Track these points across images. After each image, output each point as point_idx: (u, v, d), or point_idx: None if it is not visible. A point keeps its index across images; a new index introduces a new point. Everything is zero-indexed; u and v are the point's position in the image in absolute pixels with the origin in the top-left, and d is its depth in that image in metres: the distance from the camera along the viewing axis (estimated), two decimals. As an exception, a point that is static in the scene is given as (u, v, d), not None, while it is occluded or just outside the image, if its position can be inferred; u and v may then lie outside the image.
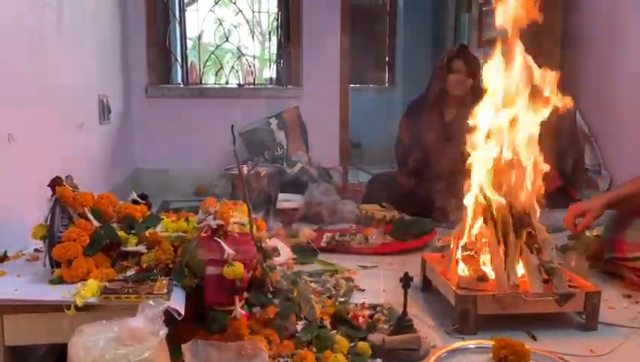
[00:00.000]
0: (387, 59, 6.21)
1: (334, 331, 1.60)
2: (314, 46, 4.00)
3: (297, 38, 4.05)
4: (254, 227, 1.52)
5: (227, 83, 4.44)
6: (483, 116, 1.89)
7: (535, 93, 1.83)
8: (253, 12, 4.50)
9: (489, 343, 1.45)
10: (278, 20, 4.34)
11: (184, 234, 1.57)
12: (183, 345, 1.19)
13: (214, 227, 1.43)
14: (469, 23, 5.03)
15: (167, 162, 3.90)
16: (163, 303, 1.19)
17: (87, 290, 1.31)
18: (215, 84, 4.70)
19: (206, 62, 4.51)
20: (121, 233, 1.56)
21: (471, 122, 1.90)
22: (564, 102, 1.81)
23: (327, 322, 1.65)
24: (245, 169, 3.11)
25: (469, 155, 1.90)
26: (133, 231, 1.59)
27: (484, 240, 1.85)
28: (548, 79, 1.82)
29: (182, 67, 4.36)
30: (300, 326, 1.57)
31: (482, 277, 1.75)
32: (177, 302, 1.31)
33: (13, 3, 1.87)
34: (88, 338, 1.11)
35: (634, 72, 3.13)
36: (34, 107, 2.00)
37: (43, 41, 2.15)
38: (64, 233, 1.45)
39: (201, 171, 3.84)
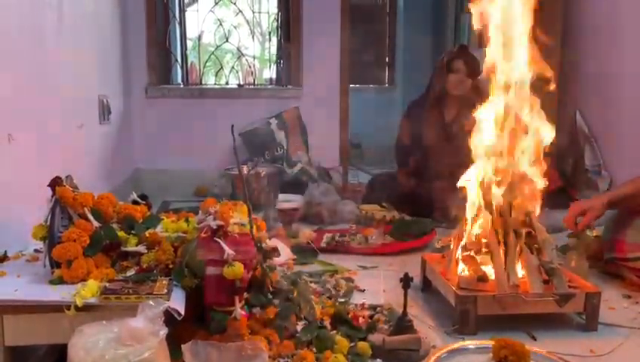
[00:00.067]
0: (387, 59, 6.22)
1: (334, 331, 1.60)
2: (314, 46, 4.00)
3: (297, 39, 4.05)
4: (254, 227, 1.52)
5: (227, 83, 4.44)
6: (484, 115, 1.89)
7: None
8: (254, 12, 4.50)
9: (489, 343, 1.45)
10: (278, 21, 4.34)
11: (184, 235, 1.57)
12: (183, 346, 1.20)
13: (214, 227, 1.43)
14: (469, 23, 5.03)
15: (167, 162, 3.90)
16: (163, 303, 1.20)
17: (87, 291, 1.31)
18: (215, 84, 4.70)
19: (206, 62, 4.51)
20: (121, 233, 1.56)
21: (473, 118, 1.90)
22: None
23: (327, 322, 1.65)
24: (245, 169, 3.11)
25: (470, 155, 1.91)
26: (133, 232, 1.59)
27: (484, 240, 1.85)
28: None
29: (182, 67, 4.36)
30: (300, 326, 1.57)
31: (482, 278, 1.74)
32: (177, 303, 1.31)
33: (14, 3, 1.87)
34: (88, 338, 1.11)
35: (634, 72, 3.13)
36: (34, 107, 2.00)
37: (43, 41, 2.15)
38: (64, 233, 1.45)
39: (201, 171, 3.84)
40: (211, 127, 3.79)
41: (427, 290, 2.01)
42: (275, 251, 1.63)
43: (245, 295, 1.47)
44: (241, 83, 4.42)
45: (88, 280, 1.36)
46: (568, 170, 3.56)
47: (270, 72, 4.84)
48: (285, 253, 2.14)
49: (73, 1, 2.49)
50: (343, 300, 1.90)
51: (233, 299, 1.39)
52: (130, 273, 1.47)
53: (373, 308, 1.82)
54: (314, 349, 1.49)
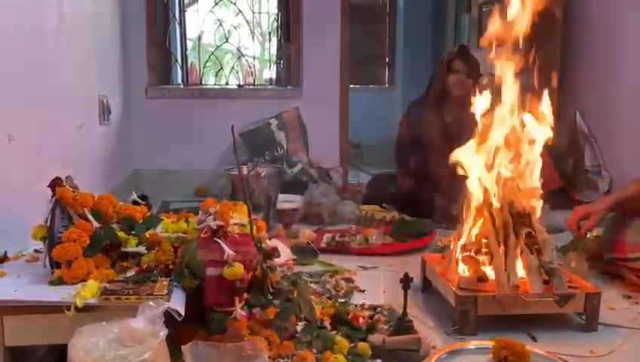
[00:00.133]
0: (387, 59, 6.22)
1: (334, 332, 1.60)
2: (314, 46, 4.00)
3: (297, 39, 4.05)
4: (254, 228, 1.52)
5: (227, 83, 4.44)
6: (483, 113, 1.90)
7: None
8: (254, 13, 4.50)
9: (489, 344, 1.45)
10: (278, 21, 4.34)
11: (184, 235, 1.56)
12: (183, 346, 1.19)
13: (214, 228, 1.43)
14: (468, 23, 5.03)
15: (167, 162, 3.90)
16: (163, 304, 1.19)
17: (87, 291, 1.31)
18: (215, 84, 4.70)
19: (206, 62, 4.51)
20: (121, 234, 1.56)
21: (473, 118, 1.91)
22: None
23: (327, 323, 1.64)
24: (245, 169, 3.11)
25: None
26: (133, 232, 1.59)
27: (484, 240, 1.85)
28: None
29: (182, 68, 4.36)
30: (300, 327, 1.57)
31: (482, 278, 1.74)
32: (177, 303, 1.31)
33: (14, 3, 1.87)
34: (88, 339, 1.11)
35: (634, 72, 3.13)
36: (34, 107, 2.00)
37: (43, 41, 2.15)
38: (64, 234, 1.44)
39: (201, 171, 3.84)
40: (211, 127, 3.79)
41: (427, 291, 2.01)
42: (275, 251, 1.63)
43: (245, 295, 1.47)
44: (241, 83, 4.42)
45: (88, 280, 1.36)
46: (568, 170, 3.56)
47: (270, 72, 4.84)
48: (285, 254, 2.13)
49: (73, 1, 2.49)
50: (343, 300, 1.90)
51: (233, 299, 1.39)
52: (131, 273, 1.46)
53: (374, 308, 1.82)
54: (314, 350, 1.48)
